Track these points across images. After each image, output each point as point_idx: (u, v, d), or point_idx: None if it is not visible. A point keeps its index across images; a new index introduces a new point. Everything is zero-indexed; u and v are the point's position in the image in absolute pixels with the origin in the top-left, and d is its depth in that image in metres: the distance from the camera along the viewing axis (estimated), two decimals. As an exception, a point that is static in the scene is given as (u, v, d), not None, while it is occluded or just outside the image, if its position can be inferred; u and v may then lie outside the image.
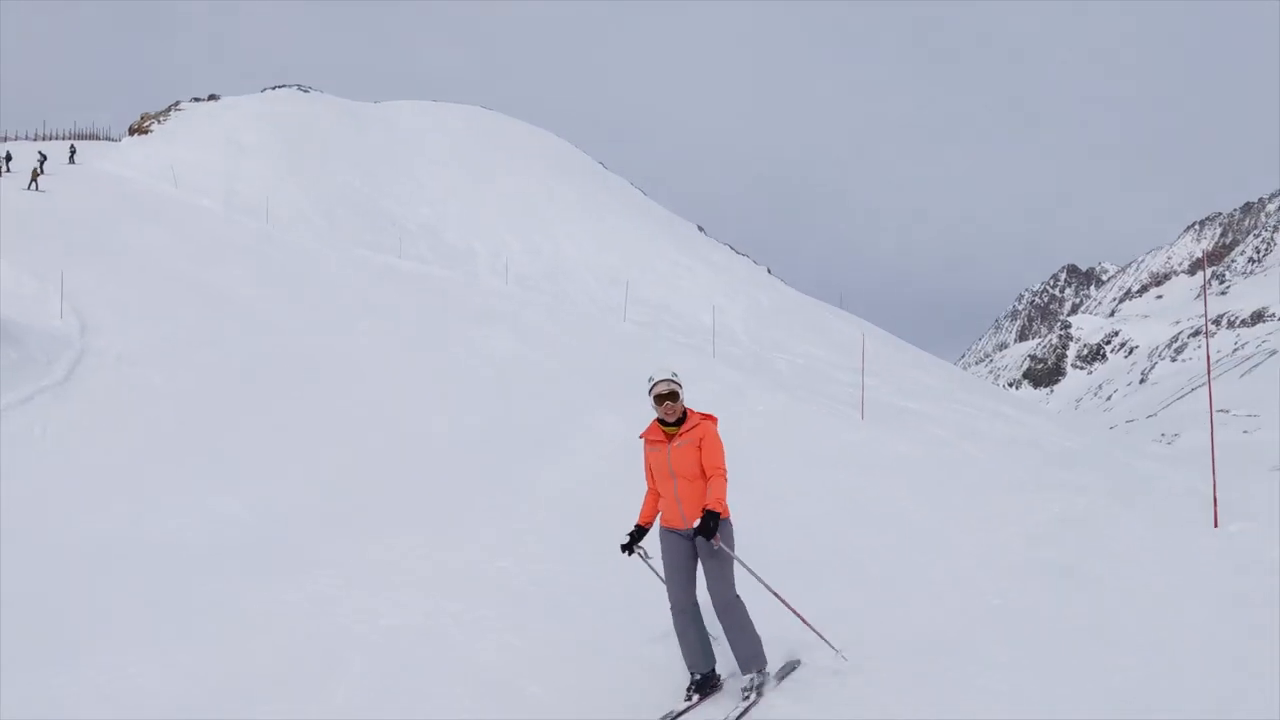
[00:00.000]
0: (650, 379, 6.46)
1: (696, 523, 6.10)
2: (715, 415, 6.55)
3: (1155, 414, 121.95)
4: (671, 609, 6.54)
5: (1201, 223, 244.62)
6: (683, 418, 6.42)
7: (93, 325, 22.95)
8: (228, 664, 7.18)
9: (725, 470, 6.33)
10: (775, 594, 6.64)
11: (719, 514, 6.09)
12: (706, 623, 6.61)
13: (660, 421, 6.46)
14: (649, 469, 6.64)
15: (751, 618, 6.43)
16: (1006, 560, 9.16)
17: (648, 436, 6.63)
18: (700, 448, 6.29)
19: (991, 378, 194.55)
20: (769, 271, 53.86)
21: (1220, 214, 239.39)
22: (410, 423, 18.62)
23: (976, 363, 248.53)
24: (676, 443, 6.34)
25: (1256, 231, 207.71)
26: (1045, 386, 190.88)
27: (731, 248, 56.28)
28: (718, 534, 6.09)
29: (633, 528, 6.67)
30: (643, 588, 9.54)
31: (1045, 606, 7.55)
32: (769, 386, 22.97)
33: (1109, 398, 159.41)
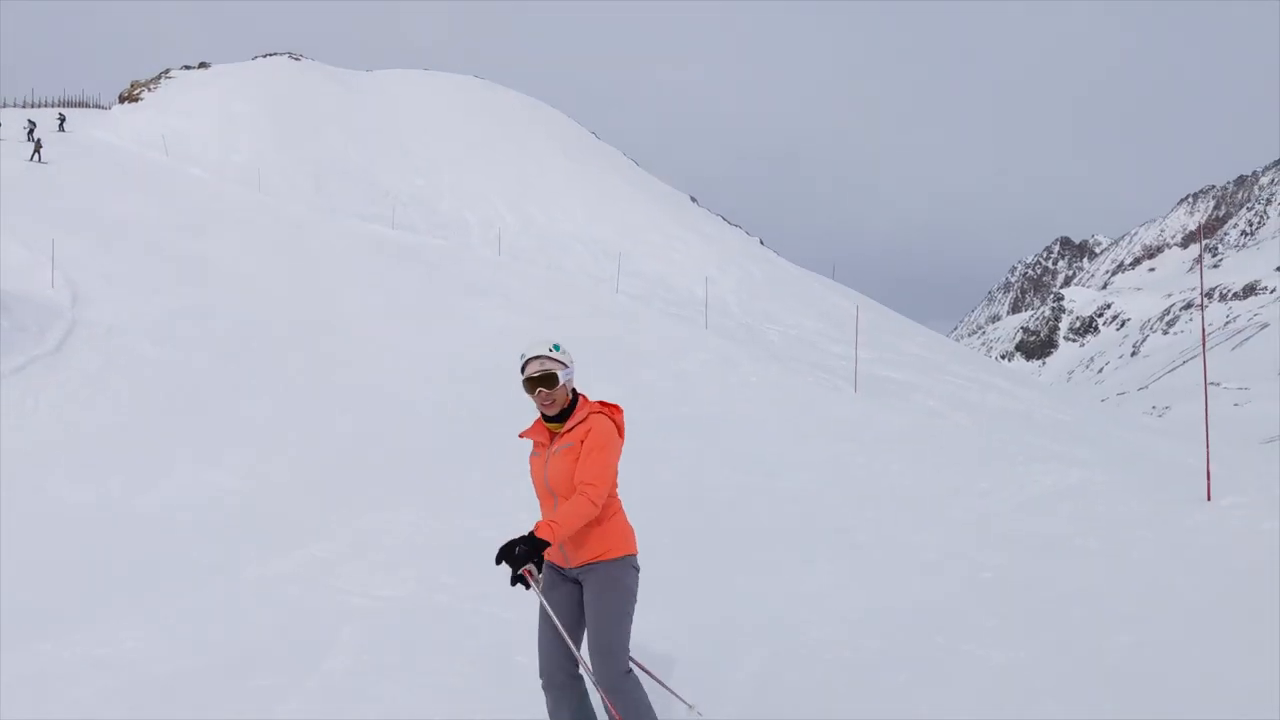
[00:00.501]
0: (521, 356, 4.62)
1: (582, 565, 4.56)
2: (620, 406, 4.78)
3: (1146, 386, 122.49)
4: (541, 680, 4.78)
5: (1195, 195, 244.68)
6: (570, 409, 4.67)
7: (84, 295, 22.83)
8: (224, 633, 7.18)
9: (603, 487, 4.44)
10: (644, 668, 5.25)
11: (547, 542, 4.25)
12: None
13: (544, 416, 4.69)
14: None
15: (649, 701, 4.63)
16: (999, 532, 9.17)
17: (531, 436, 4.81)
18: (579, 453, 4.51)
19: (984, 350, 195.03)
20: (761, 243, 53.77)
21: (1213, 187, 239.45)
22: (402, 394, 18.60)
23: (969, 335, 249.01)
24: (556, 446, 4.58)
25: (1249, 205, 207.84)
26: (1037, 359, 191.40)
27: (724, 219, 56.15)
28: (535, 575, 4.27)
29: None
30: (643, 552, 9.55)
31: (1038, 579, 7.57)
32: (761, 358, 22.99)
33: (1100, 370, 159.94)
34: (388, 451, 14.84)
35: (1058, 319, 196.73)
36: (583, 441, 4.52)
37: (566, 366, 4.64)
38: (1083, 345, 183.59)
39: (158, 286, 24.93)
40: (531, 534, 4.23)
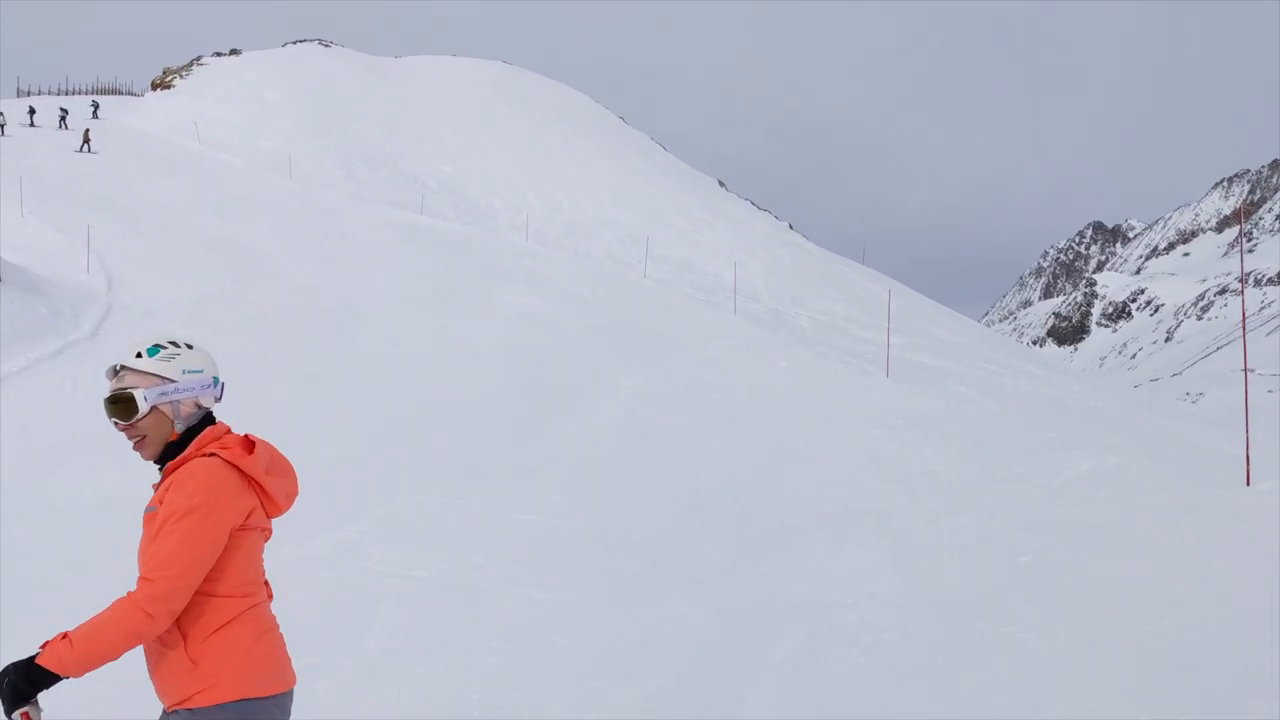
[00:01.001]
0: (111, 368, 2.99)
1: (171, 709, 2.85)
2: (256, 437, 3.06)
3: (1180, 373, 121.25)
4: None
5: (1229, 180, 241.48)
6: (178, 450, 2.94)
7: (119, 280, 23.02)
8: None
9: (165, 587, 2.71)
10: None
11: (53, 674, 2.72)
12: None
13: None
14: None
15: None
16: (1036, 518, 9.10)
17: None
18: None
19: (1015, 335, 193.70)
20: (790, 227, 53.52)
21: (1249, 171, 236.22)
22: (429, 379, 18.66)
23: (1000, 320, 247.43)
24: (149, 507, 2.91)
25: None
26: (1069, 344, 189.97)
27: (752, 203, 55.92)
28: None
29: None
30: (666, 539, 9.56)
31: (1076, 564, 7.50)
32: (791, 343, 22.91)
33: (1133, 356, 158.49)
34: (416, 435, 14.88)
35: (1090, 304, 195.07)
36: (162, 501, 2.82)
37: (164, 382, 2.88)
38: (1116, 331, 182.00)
39: (190, 271, 25.10)
40: (32, 656, 2.70)
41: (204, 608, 2.80)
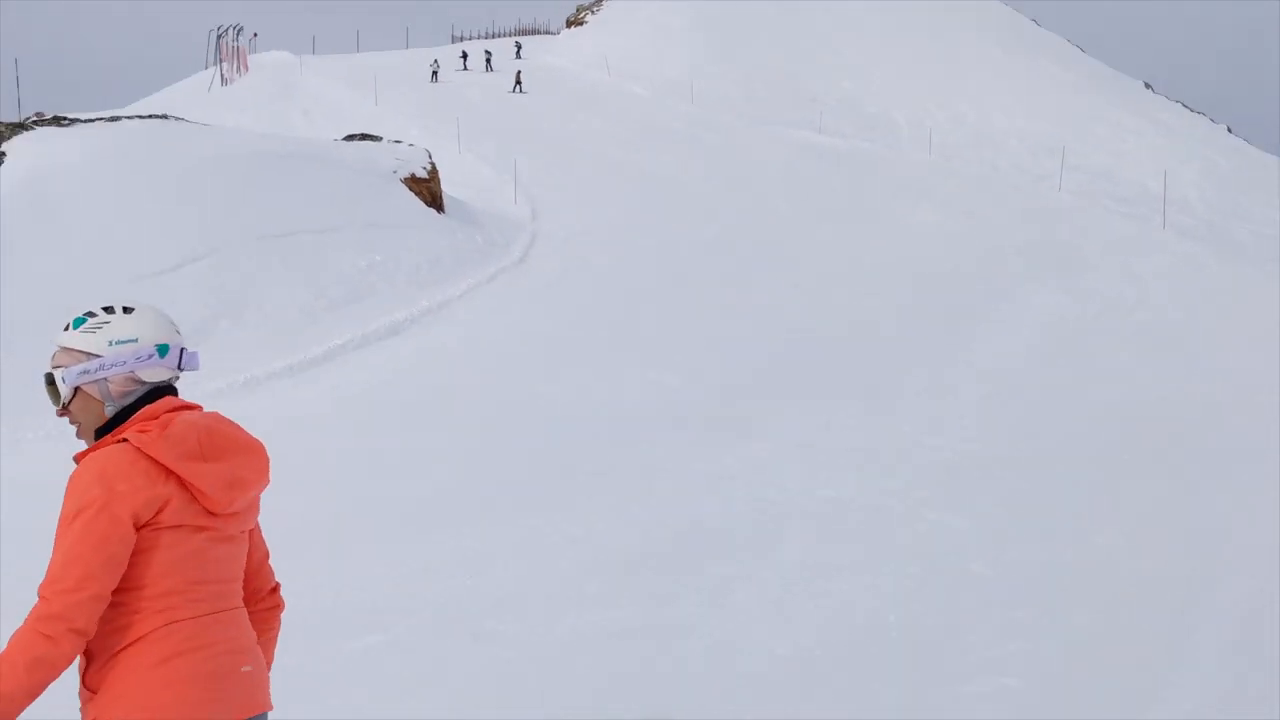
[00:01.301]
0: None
1: None
2: (194, 415, 2.43)
3: None
4: None
5: None
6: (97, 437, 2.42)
7: (542, 209, 24.83)
8: (679, 520, 7.63)
9: (59, 602, 2.19)
10: None
11: None
12: None
13: None
14: None
15: None
16: None
17: None
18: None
19: None
20: (1229, 130, 47.76)
21: None
22: (830, 297, 18.64)
23: None
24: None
25: None
26: None
27: (1184, 105, 50.42)
28: None
29: None
30: (1089, 468, 8.97)
31: None
32: (1230, 259, 20.65)
33: None
34: (822, 352, 14.94)
35: None
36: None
37: (88, 358, 2.37)
38: None
39: (605, 200, 26.58)
40: None
41: (111, 625, 2.28)
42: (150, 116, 22.23)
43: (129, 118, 21.84)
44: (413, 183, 21.03)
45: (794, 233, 23.97)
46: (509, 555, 6.91)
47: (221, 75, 41.10)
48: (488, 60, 47.18)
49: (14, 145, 16.62)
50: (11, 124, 17.80)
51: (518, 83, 42.28)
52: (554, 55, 52.27)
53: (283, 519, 7.99)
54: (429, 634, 5.56)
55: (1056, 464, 9.24)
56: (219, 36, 42.10)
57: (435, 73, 43.92)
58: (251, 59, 41.97)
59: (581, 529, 7.42)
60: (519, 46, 52.79)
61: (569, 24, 59.38)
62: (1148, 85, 52.43)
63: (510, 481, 9.06)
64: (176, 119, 22.38)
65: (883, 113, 43.63)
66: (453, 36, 60.71)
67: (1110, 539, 7.07)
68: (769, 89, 45.88)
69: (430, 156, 22.51)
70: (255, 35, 43.28)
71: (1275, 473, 8.33)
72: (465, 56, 49.26)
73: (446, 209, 21.55)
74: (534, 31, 61.96)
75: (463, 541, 7.23)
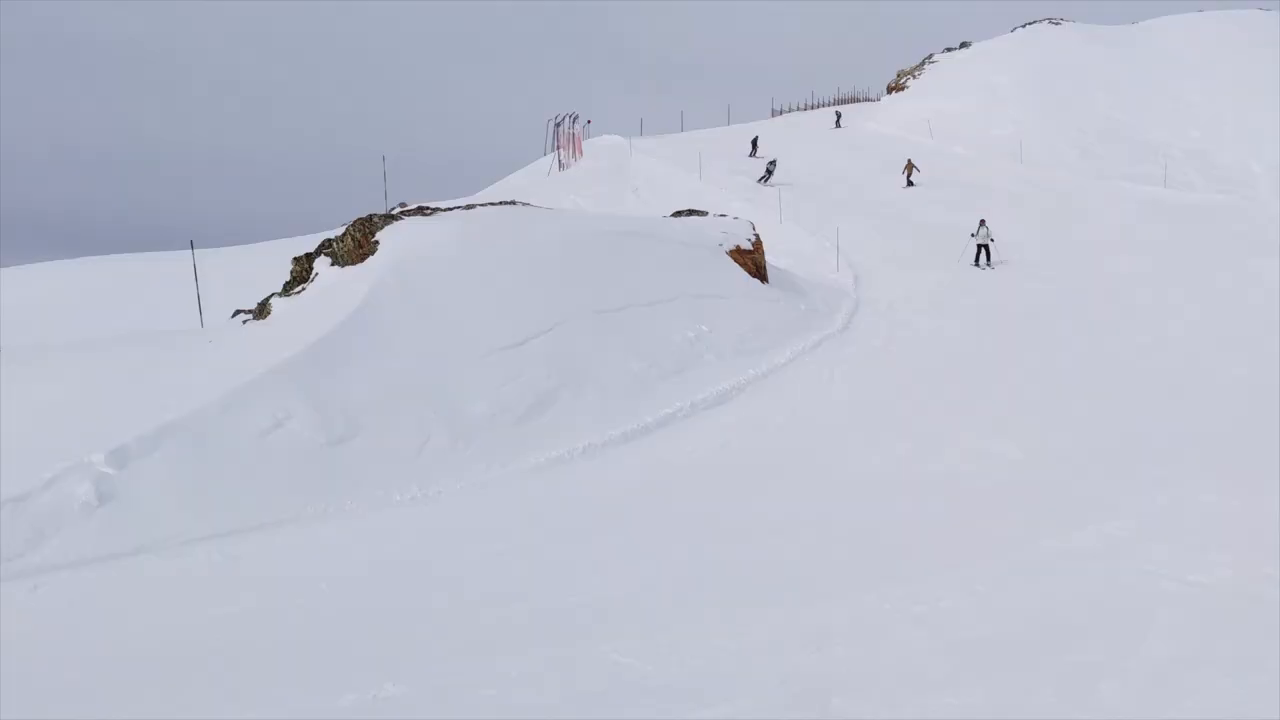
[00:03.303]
0: None
1: None
2: None
3: None
4: None
5: None
6: None
7: (864, 275, 24.62)
8: (1036, 602, 7.18)
9: None
10: None
11: None
12: None
13: None
14: None
15: None
16: None
17: None
18: None
19: None
20: None
21: None
22: (1177, 362, 17.28)
23: None
24: None
25: None
26: None
27: None
28: None
29: None
30: None
31: None
32: None
33: None
34: (1168, 424, 13.82)
35: None
36: None
37: None
38: None
39: (925, 262, 26.01)
40: None
41: None
42: (501, 203, 24.04)
43: (482, 205, 23.72)
44: (737, 254, 21.47)
45: (1135, 291, 22.45)
46: (849, 631, 6.76)
47: (559, 160, 43.87)
48: (769, 171, 37.12)
49: (386, 233, 18.44)
50: (383, 215, 19.76)
51: (767, 173, 36.75)
52: (875, 122, 52.00)
53: (633, 582, 8.28)
54: (777, 709, 5.51)
55: None
56: (556, 124, 45.00)
57: (764, 161, 38.14)
58: (585, 144, 44.53)
59: (925, 607, 7.14)
60: (839, 115, 52.89)
61: (890, 90, 59.02)
62: None
63: (843, 555, 8.91)
64: (523, 204, 24.07)
65: (1238, 162, 40.19)
66: (772, 110, 61.61)
67: None
68: (1106, 143, 43.47)
69: (754, 228, 22.91)
70: (590, 122, 45.88)
71: None
72: (755, 145, 42.40)
73: (770, 279, 21.81)
74: (854, 99, 61.90)
75: (801, 612, 7.16)
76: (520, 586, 8.50)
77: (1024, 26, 61.53)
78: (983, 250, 26.29)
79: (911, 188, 36.60)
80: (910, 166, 37.35)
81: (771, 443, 14.18)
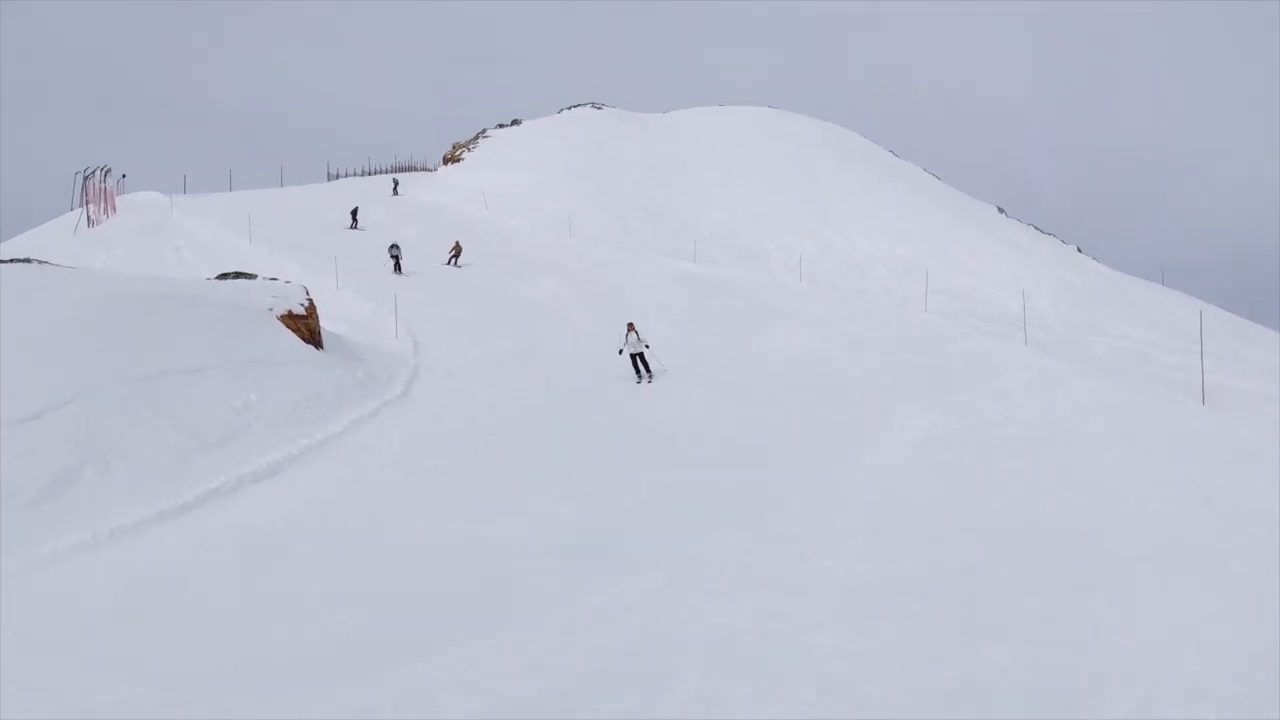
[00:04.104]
0: None
1: None
2: None
3: None
4: None
5: None
6: None
7: (423, 342, 24.69)
8: (574, 655, 7.46)
9: None
10: None
11: None
12: None
13: None
14: None
15: None
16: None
17: None
18: None
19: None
20: (1079, 250, 50.65)
21: None
22: (716, 424, 18.84)
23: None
24: None
25: None
26: None
27: (1036, 227, 53.36)
28: None
29: None
30: (975, 583, 9.12)
31: None
32: (1090, 372, 21.59)
33: None
34: (700, 480, 15.03)
35: None
36: None
37: None
38: None
39: (484, 331, 26.61)
40: None
41: None
42: (13, 260, 21.57)
43: (-10, 262, 21.13)
44: (289, 319, 20.72)
45: (674, 359, 24.32)
46: (397, 707, 6.65)
47: (88, 217, 40.27)
48: (354, 217, 42.66)
49: None
50: None
51: (354, 221, 41.94)
52: (432, 191, 52.74)
53: (157, 677, 7.54)
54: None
55: (942, 579, 9.38)
56: (85, 178, 41.35)
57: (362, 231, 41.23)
58: (120, 200, 41.29)
59: (476, 672, 7.19)
60: (396, 183, 53.11)
61: (445, 161, 60.16)
62: (1000, 209, 55.42)
63: (392, 631, 8.78)
64: (40, 262, 21.75)
65: (755, 241, 45.05)
66: (329, 174, 60.72)
67: (1000, 653, 7.16)
68: (643, 220, 47.04)
69: (307, 293, 22.26)
70: (124, 176, 42.62)
71: (1154, 578, 8.61)
72: (355, 217, 43.62)
73: (326, 345, 21.25)
74: (411, 168, 62.50)
75: (343, 693, 6.94)
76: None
77: (570, 109, 65.49)
78: (638, 360, 22.50)
79: (457, 268, 36.42)
80: (458, 249, 37.15)
81: (325, 517, 13.70)
